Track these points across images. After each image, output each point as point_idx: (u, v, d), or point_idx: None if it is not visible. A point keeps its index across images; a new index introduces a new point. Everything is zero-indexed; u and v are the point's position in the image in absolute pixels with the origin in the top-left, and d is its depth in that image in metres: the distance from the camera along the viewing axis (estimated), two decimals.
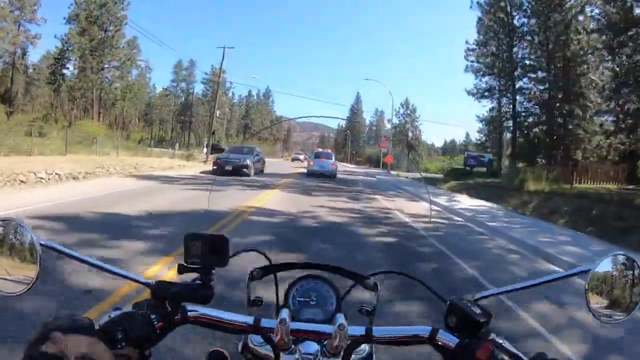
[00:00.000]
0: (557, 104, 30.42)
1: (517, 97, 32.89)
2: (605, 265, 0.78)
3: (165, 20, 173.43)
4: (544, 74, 31.17)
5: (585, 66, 28.53)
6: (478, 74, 34.13)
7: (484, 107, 50.24)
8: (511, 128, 37.14)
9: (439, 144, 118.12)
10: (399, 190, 19.25)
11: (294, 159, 56.74)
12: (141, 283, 0.87)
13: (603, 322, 0.80)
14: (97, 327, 0.69)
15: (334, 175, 25.29)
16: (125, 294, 3.70)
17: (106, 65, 43.93)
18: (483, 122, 42.95)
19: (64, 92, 44.45)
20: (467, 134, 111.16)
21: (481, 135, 68.39)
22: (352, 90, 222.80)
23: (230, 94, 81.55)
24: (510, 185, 22.66)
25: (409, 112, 67.04)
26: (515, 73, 31.25)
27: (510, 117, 33.19)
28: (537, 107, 31.73)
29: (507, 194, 19.75)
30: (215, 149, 57.40)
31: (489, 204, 15.19)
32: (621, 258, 0.80)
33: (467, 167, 33.21)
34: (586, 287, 0.77)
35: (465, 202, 15.23)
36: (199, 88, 73.50)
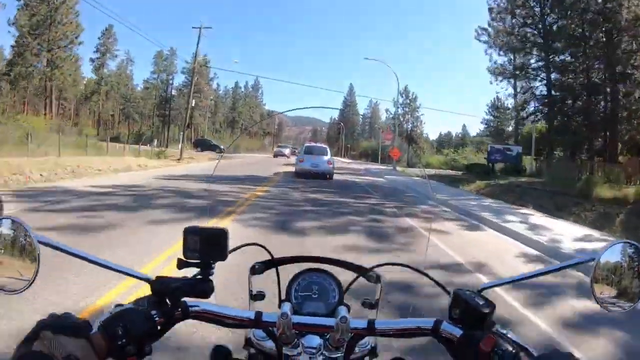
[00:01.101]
0: (600, 86, 24.02)
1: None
2: (610, 254, 0.76)
3: (150, 12, 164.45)
4: (581, 51, 24.73)
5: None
6: (503, 50, 27.50)
7: (500, 92, 44.50)
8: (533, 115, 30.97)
9: (432, 136, 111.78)
10: (428, 199, 12.96)
11: (276, 155, 42.99)
12: (141, 279, 0.83)
13: (608, 311, 0.77)
14: (98, 323, 0.70)
15: (330, 176, 19.01)
16: None
17: (53, 47, 36.09)
18: (500, 109, 36.81)
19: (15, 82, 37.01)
20: (464, 126, 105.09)
21: (486, 126, 62.51)
22: (345, 82, 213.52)
23: (215, 85, 74.26)
24: (566, 189, 16.36)
25: (408, 101, 60.42)
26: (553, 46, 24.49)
27: (542, 101, 26.59)
28: (563, 90, 25.40)
29: (577, 204, 13.53)
30: (201, 144, 50.98)
31: (597, 235, 8.77)
32: (626, 246, 0.77)
33: (489, 163, 26.86)
34: (591, 276, 0.75)
35: (555, 228, 8.80)
36: (180, 79, 66.13)
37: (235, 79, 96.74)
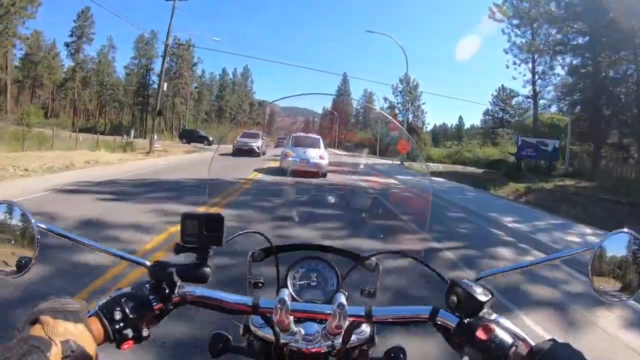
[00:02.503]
0: None
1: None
2: (608, 244, 0.73)
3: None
4: None
5: None
6: (529, 26, 22.01)
7: (517, 79, 39.43)
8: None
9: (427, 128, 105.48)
10: (493, 228, 7.64)
11: (237, 151, 22.70)
12: (138, 263, 0.82)
13: (607, 301, 0.75)
14: (96, 308, 0.69)
15: (324, 174, 14.01)
16: None
17: None
18: (508, 97, 31.71)
19: None
20: (461, 118, 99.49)
21: (489, 117, 57.28)
22: (340, 63, 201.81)
23: (199, 71, 67.85)
24: None
25: (409, 88, 54.81)
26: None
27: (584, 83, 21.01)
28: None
29: None
30: (187, 136, 44.58)
31: None
32: (625, 236, 0.74)
33: (519, 160, 21.61)
34: (589, 266, 0.73)
35: None
36: (160, 64, 60.00)
37: (222, 65, 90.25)
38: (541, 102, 31.47)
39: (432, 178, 17.59)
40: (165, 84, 31.39)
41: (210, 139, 42.82)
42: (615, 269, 0.73)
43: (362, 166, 25.37)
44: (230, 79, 78.71)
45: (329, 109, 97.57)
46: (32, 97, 57.93)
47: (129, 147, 27.54)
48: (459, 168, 32.29)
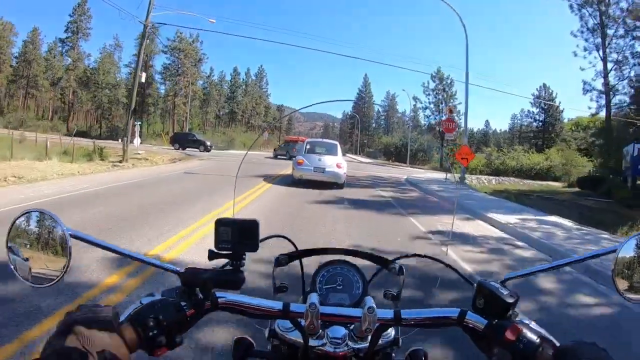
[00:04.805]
0: None
1: None
2: (631, 246, 0.74)
3: None
4: None
5: None
6: None
7: (586, 67, 32.90)
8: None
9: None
10: None
11: None
12: (171, 271, 0.82)
13: (631, 302, 0.75)
14: (128, 314, 0.70)
15: (341, 184, 12.93)
16: None
17: None
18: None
19: None
20: (487, 123, 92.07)
21: (531, 119, 50.12)
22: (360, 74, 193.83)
23: (207, 70, 62.03)
24: None
25: (442, 87, 47.97)
26: None
27: None
28: None
29: None
30: (180, 140, 37.18)
31: None
32: None
33: (630, 177, 14.90)
34: (613, 267, 0.74)
35: None
36: (161, 61, 54.28)
37: (233, 64, 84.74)
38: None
39: (548, 220, 10.97)
40: (144, 74, 25.51)
41: (208, 144, 36.50)
42: (638, 270, 0.73)
43: (402, 182, 18.83)
44: (243, 79, 72.59)
45: (349, 113, 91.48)
46: (26, 97, 53.17)
47: (96, 154, 21.45)
48: (510, 182, 25.71)
